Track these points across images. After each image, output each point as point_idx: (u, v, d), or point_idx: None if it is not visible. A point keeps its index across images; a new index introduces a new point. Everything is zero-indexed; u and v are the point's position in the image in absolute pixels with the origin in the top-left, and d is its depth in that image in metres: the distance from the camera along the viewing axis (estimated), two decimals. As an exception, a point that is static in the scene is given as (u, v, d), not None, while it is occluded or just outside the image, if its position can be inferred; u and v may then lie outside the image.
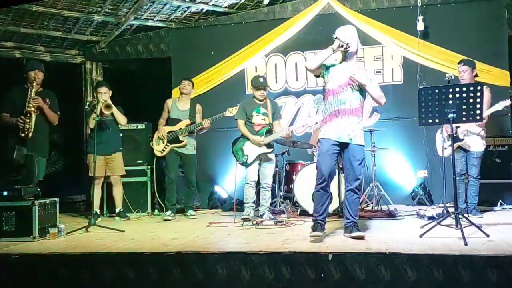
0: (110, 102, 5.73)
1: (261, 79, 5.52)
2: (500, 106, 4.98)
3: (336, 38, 4.05)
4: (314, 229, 4.05)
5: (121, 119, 5.90)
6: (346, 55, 4.21)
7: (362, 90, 4.19)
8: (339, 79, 4.15)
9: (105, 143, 5.70)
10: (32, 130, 5.06)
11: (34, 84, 5.12)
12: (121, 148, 6.03)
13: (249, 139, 5.39)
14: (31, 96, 5.10)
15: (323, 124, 4.23)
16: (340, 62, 4.25)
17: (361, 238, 4.01)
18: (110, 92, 5.87)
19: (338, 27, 4.18)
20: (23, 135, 5.04)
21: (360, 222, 5.01)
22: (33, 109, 5.08)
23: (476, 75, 5.16)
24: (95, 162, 5.22)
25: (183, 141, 5.81)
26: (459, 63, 5.20)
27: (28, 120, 5.05)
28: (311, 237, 4.00)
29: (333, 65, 4.23)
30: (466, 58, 5.33)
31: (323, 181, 4.11)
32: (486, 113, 4.94)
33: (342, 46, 4.05)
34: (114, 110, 5.79)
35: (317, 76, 4.39)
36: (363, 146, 4.21)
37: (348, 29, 4.24)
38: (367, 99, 4.33)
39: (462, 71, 5.12)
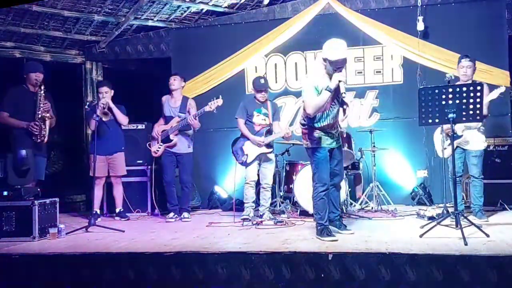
0: (110, 102, 5.72)
1: (262, 81, 5.49)
2: (495, 94, 4.76)
3: (340, 81, 4.08)
4: (328, 234, 4.12)
5: (122, 118, 5.87)
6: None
7: (340, 103, 4.38)
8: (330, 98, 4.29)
9: (106, 143, 5.69)
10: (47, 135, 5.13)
11: (42, 88, 5.15)
12: (123, 148, 6.00)
13: (249, 139, 5.39)
14: (41, 101, 5.13)
15: (314, 133, 4.30)
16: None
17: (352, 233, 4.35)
18: (112, 91, 5.83)
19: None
20: (39, 140, 5.12)
21: (361, 222, 5.05)
22: (47, 114, 5.14)
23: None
24: (95, 162, 5.24)
25: (172, 139, 5.66)
26: (464, 57, 4.90)
27: (44, 126, 5.12)
28: (329, 241, 4.00)
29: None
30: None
31: (327, 188, 4.26)
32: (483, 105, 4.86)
33: (339, 82, 4.12)
34: (115, 110, 5.78)
35: None
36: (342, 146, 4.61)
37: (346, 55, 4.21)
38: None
39: (467, 66, 4.83)
